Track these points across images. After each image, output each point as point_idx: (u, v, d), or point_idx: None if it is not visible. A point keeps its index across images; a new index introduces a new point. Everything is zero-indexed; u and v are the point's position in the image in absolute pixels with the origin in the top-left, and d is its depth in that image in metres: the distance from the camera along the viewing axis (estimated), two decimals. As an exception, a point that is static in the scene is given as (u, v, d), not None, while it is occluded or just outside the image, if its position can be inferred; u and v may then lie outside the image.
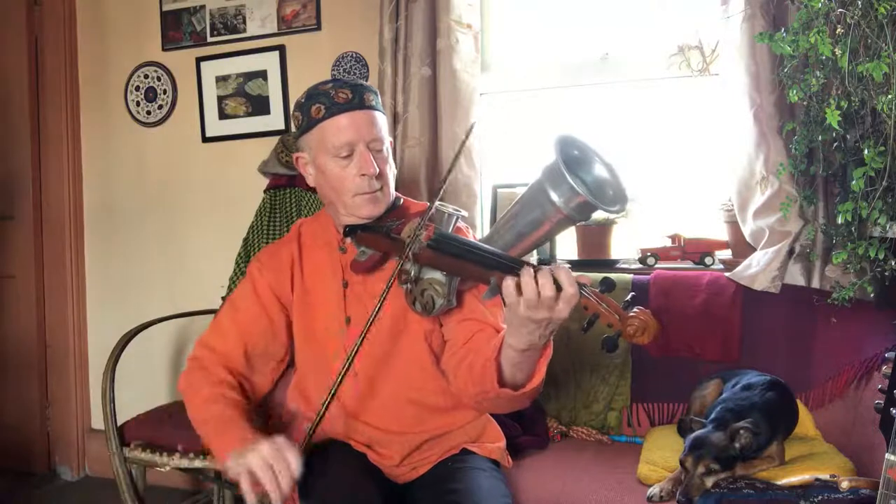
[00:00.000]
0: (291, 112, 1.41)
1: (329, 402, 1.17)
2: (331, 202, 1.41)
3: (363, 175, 1.33)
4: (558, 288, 1.03)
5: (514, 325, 1.10)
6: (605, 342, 1.04)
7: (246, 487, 1.13)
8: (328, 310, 1.42)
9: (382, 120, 1.39)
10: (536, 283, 1.02)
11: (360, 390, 1.41)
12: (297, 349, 1.47)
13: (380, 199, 1.37)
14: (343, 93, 1.34)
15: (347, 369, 1.17)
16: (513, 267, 1.07)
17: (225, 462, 1.19)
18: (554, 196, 1.05)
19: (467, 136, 1.33)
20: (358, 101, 1.34)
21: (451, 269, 1.18)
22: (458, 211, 1.27)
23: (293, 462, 1.13)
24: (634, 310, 1.04)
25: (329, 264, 1.45)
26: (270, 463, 1.12)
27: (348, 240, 1.36)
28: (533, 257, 2.22)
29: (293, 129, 1.43)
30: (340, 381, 1.17)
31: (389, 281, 1.19)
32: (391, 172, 1.40)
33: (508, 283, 1.04)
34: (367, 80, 2.49)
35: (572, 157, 1.07)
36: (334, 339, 1.40)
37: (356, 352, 1.18)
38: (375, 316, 1.18)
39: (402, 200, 1.47)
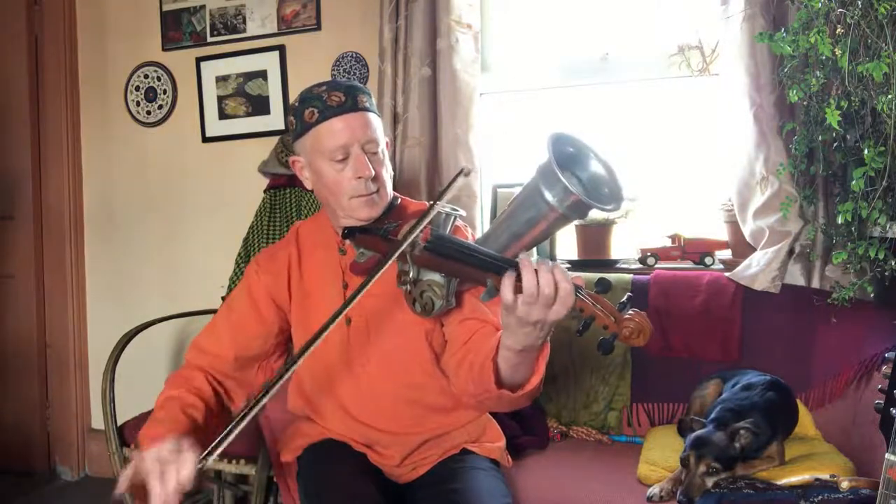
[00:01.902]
0: (286, 116, 1.41)
1: (293, 366, 1.10)
2: (328, 205, 1.41)
3: (359, 178, 1.33)
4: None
5: (510, 327, 1.10)
6: (600, 344, 1.04)
7: (122, 476, 1.11)
8: (328, 311, 1.41)
9: (377, 121, 1.38)
10: (537, 278, 1.02)
11: (360, 391, 1.41)
12: (297, 348, 1.47)
13: (377, 201, 1.36)
14: (336, 95, 1.33)
15: (331, 323, 1.12)
16: (507, 267, 1.07)
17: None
18: (548, 195, 1.05)
19: (456, 178, 1.28)
20: (351, 103, 1.33)
21: (448, 270, 1.18)
22: (455, 210, 1.27)
23: (187, 466, 1.07)
24: (630, 311, 1.04)
25: (328, 266, 1.45)
26: (164, 459, 1.07)
27: (347, 242, 1.36)
28: (532, 257, 2.22)
29: (289, 133, 1.43)
30: (320, 335, 1.12)
31: (369, 277, 1.15)
32: (387, 174, 1.40)
33: (507, 280, 1.04)
34: (367, 81, 2.49)
35: (567, 155, 1.06)
36: (335, 340, 1.40)
37: (339, 314, 1.13)
38: (359, 293, 1.14)
39: (399, 200, 1.46)
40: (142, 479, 1.08)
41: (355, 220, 1.37)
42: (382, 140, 1.38)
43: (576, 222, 2.24)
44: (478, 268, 1.11)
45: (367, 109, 1.36)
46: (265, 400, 1.08)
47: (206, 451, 1.09)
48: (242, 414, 1.08)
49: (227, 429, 1.08)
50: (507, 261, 1.09)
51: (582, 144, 1.12)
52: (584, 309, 1.05)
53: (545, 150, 1.05)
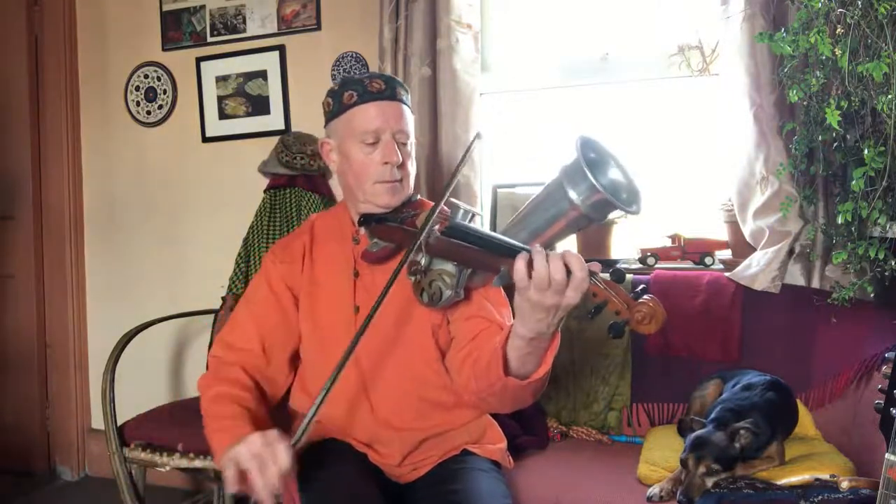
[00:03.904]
0: (323, 99, 1.44)
1: (328, 391, 1.13)
2: (350, 190, 1.44)
3: (386, 163, 1.36)
4: (568, 273, 1.03)
5: (523, 312, 1.10)
6: (611, 328, 1.05)
7: (230, 477, 1.11)
8: (337, 299, 1.43)
9: (410, 116, 1.43)
10: (548, 264, 1.03)
11: (362, 382, 1.41)
12: (303, 339, 1.47)
13: (399, 190, 1.40)
14: (377, 83, 1.38)
15: (347, 359, 1.15)
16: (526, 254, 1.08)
17: (220, 459, 1.18)
18: (572, 194, 1.06)
19: (472, 143, 1.32)
20: (390, 92, 1.38)
21: (464, 258, 1.18)
22: (472, 209, 1.29)
23: (282, 455, 1.09)
24: (643, 298, 1.05)
25: (341, 254, 1.46)
26: (258, 453, 1.10)
27: (362, 230, 1.37)
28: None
29: (323, 116, 1.46)
30: (339, 372, 1.14)
31: (398, 266, 1.19)
32: (412, 168, 1.44)
33: (520, 264, 1.04)
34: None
35: (588, 159, 1.08)
36: (342, 329, 1.40)
37: (356, 342, 1.16)
38: (380, 304, 1.17)
39: (417, 197, 1.48)
40: (243, 473, 1.11)
41: (374, 206, 1.39)
42: (413, 135, 1.43)
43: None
44: (493, 253, 1.12)
45: (403, 102, 1.41)
46: (339, 373, 1.13)
47: (297, 436, 1.12)
48: (326, 387, 1.12)
49: (314, 407, 1.12)
50: (522, 247, 1.10)
51: (604, 151, 1.14)
52: (597, 293, 1.06)
53: (573, 152, 1.07)
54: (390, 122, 1.37)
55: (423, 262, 1.22)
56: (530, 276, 1.04)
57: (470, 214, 1.27)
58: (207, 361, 1.48)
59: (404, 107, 1.40)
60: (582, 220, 1.09)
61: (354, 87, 1.38)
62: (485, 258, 1.14)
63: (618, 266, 2.19)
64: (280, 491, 1.09)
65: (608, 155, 1.14)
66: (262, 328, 1.43)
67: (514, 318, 1.15)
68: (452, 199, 1.26)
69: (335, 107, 1.40)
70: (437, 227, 1.20)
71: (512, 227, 1.18)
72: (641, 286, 1.09)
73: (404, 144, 1.40)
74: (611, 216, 2.17)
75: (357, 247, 1.44)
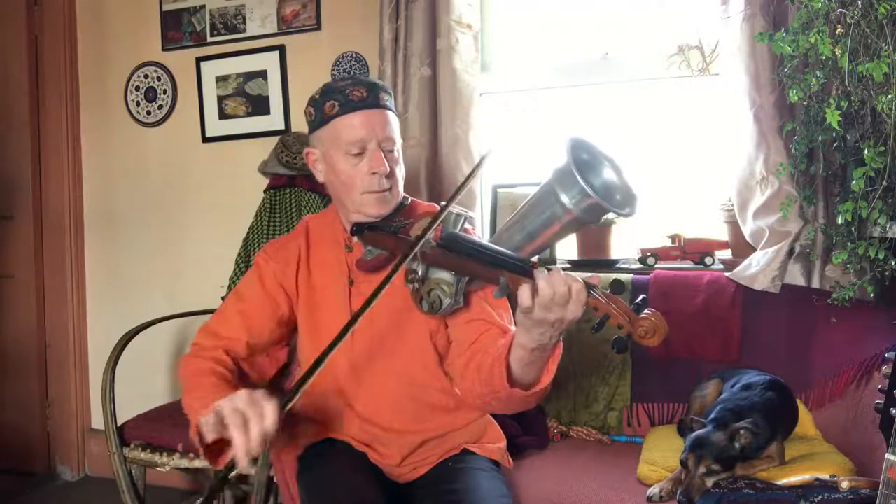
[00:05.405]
0: (304, 107, 1.42)
1: (322, 361, 1.07)
2: (339, 199, 1.42)
3: (374, 173, 1.34)
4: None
5: (526, 326, 1.10)
6: (615, 343, 1.05)
7: (209, 429, 1.05)
8: (333, 307, 1.42)
9: (395, 121, 1.40)
10: (552, 283, 1.03)
11: (362, 386, 1.41)
12: (301, 345, 1.47)
13: (388, 199, 1.38)
14: (358, 91, 1.35)
15: (340, 338, 1.11)
16: (522, 266, 1.08)
17: (199, 419, 1.10)
18: (564, 198, 1.05)
19: (480, 163, 1.29)
20: (373, 100, 1.35)
21: (459, 268, 1.18)
22: (465, 212, 1.28)
23: (269, 414, 1.02)
24: (645, 311, 1.05)
25: (336, 262, 1.45)
26: (242, 409, 1.02)
27: (355, 239, 1.37)
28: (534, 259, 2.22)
29: (306, 124, 1.44)
30: (334, 345, 1.10)
31: (386, 278, 1.16)
32: (401, 173, 1.41)
33: (525, 287, 1.05)
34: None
35: (581, 160, 1.07)
36: None
37: (345, 332, 1.13)
38: (368, 306, 1.14)
39: (409, 200, 1.47)
40: (221, 432, 1.04)
41: (364, 215, 1.38)
42: (399, 140, 1.40)
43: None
44: (490, 265, 1.11)
45: (387, 108, 1.38)
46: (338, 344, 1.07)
47: (288, 397, 1.05)
48: (324, 352, 1.07)
49: (308, 370, 1.05)
50: (520, 258, 1.09)
51: (596, 151, 1.12)
52: (598, 308, 1.06)
53: (563, 154, 1.06)
54: (376, 130, 1.34)
55: (419, 271, 1.21)
56: (535, 295, 1.04)
57: (462, 219, 1.25)
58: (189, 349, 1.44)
59: (389, 112, 1.37)
60: (576, 222, 1.09)
61: (335, 96, 1.34)
62: (481, 270, 1.13)
63: (617, 267, 2.22)
64: (259, 454, 1.00)
65: (601, 155, 1.13)
66: (249, 323, 1.41)
67: (515, 324, 1.15)
68: (443, 203, 1.25)
69: (317, 117, 1.37)
70: (431, 235, 1.19)
71: (508, 230, 1.17)
72: (642, 297, 1.09)
73: (391, 151, 1.37)
74: (609, 216, 2.20)
75: (350, 255, 1.43)
